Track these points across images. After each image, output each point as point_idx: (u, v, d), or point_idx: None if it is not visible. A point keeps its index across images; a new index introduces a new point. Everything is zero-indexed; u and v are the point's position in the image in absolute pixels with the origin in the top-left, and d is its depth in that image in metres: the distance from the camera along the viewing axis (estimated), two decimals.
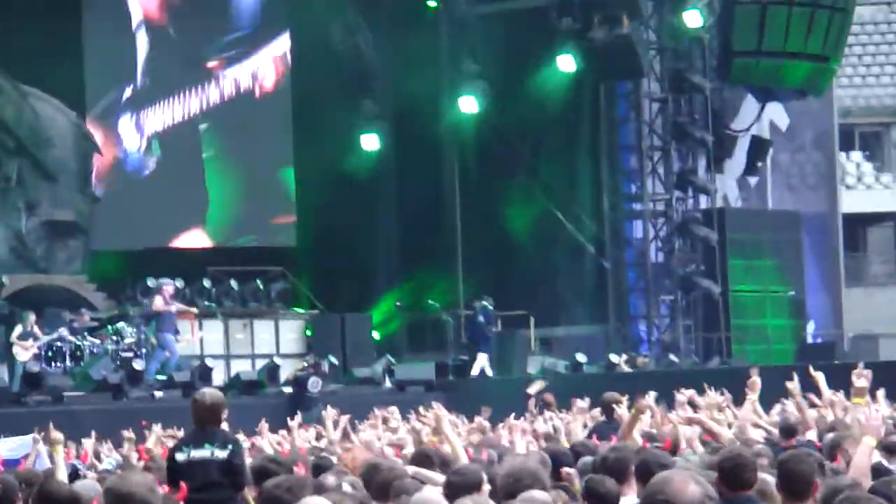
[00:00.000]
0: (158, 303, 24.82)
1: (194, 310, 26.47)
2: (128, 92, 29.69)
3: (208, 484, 10.00)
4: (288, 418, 14.89)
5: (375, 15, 30.45)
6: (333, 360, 25.82)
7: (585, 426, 13.54)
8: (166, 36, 29.78)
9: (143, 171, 29.90)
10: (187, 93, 30.03)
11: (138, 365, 24.13)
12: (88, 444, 15.26)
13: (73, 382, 24.01)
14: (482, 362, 26.26)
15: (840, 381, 13.63)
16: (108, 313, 26.56)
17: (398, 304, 29.43)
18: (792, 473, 7.65)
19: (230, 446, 10.17)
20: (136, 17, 29.67)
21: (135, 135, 29.82)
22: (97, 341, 25.17)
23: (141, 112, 29.80)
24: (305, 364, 25.22)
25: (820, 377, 11.97)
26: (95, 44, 29.13)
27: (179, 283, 27.65)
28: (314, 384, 23.97)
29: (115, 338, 25.21)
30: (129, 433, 14.27)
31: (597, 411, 14.11)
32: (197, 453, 10.12)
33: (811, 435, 11.16)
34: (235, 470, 10.06)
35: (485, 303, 26.99)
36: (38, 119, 27.63)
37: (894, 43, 43.07)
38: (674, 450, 10.32)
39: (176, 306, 25.00)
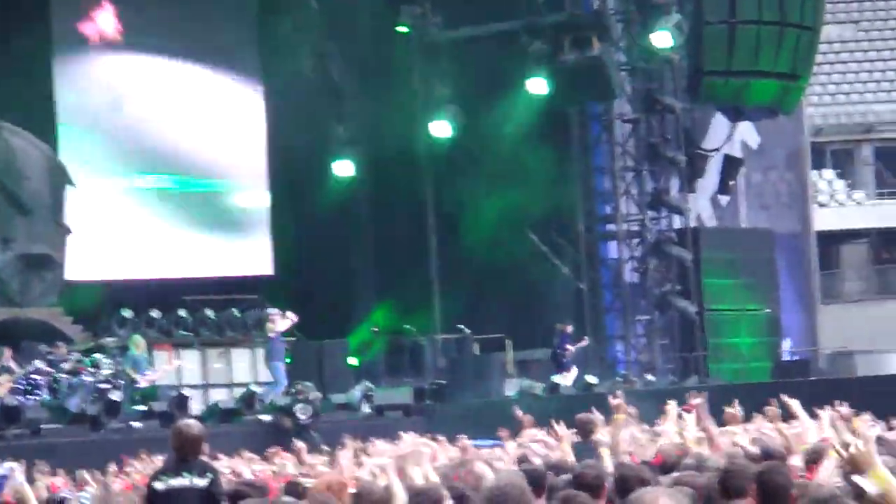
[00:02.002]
0: (272, 329, 25.25)
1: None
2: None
3: None
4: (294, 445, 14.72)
5: (346, 41, 30.54)
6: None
7: None
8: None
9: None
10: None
11: (115, 396, 24.06)
12: (59, 481, 15.23)
13: (50, 415, 23.91)
14: (560, 380, 26.46)
15: (817, 398, 13.71)
16: (85, 345, 26.47)
17: (375, 329, 29.44)
18: (769, 485, 7.72)
19: (209, 475, 10.18)
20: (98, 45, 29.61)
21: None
22: (74, 373, 25.07)
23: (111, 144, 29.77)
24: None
25: (795, 404, 11.92)
26: (65, 76, 29.11)
27: (155, 314, 27.62)
28: (303, 411, 23.97)
29: (91, 370, 25.11)
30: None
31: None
32: (176, 482, 10.13)
33: (796, 461, 11.14)
34: (215, 498, 10.07)
35: (561, 326, 27.32)
36: (12, 153, 27.55)
37: (863, 61, 43.36)
38: (668, 467, 10.27)
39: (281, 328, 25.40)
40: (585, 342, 27.68)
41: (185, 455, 10.24)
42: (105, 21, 29.38)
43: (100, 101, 29.47)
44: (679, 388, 26.06)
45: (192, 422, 10.76)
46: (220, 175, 30.48)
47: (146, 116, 29.92)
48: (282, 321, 25.60)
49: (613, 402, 11.99)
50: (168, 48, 29.71)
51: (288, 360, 27.90)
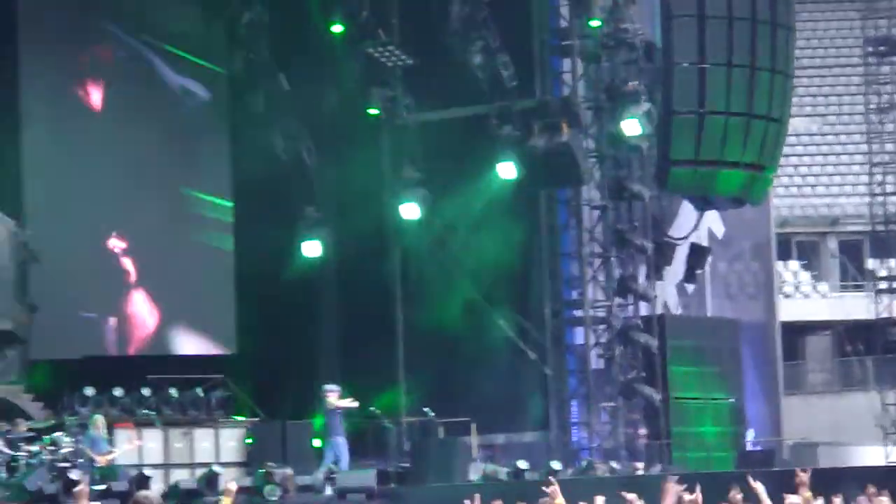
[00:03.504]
0: (332, 403, 25.65)
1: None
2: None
3: None
4: None
5: (317, 122, 30.63)
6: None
7: None
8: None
9: None
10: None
11: (74, 475, 23.81)
12: None
13: (7, 494, 23.64)
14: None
15: (779, 488, 13.68)
16: (45, 423, 26.25)
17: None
18: None
19: None
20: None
21: None
22: (33, 452, 24.83)
23: None
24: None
25: (760, 488, 11.97)
26: (33, 149, 29.10)
27: (118, 392, 27.43)
28: (270, 493, 23.80)
29: (51, 448, 24.88)
30: None
31: None
32: None
33: None
34: None
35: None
36: None
37: (829, 154, 43.80)
38: None
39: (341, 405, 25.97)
40: (642, 432, 28.58)
41: None
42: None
43: (66, 170, 29.39)
44: (642, 477, 26.01)
45: (151, 494, 10.61)
46: (188, 255, 30.45)
47: (114, 185, 29.88)
48: (338, 399, 25.93)
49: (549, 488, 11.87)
50: (134, 120, 29.75)
51: (249, 441, 27.72)
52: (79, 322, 29.41)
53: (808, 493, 11.17)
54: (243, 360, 30.00)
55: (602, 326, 30.06)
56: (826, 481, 20.08)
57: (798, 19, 31.42)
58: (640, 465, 28.06)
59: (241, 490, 23.69)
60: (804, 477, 11.16)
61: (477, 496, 14.09)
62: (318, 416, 29.21)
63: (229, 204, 30.71)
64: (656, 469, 28.10)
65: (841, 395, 39.94)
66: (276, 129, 30.67)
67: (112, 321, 29.75)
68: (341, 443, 25.82)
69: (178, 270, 30.35)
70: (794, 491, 11.59)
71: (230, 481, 11.54)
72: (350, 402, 26.06)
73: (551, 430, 29.50)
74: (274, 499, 23.63)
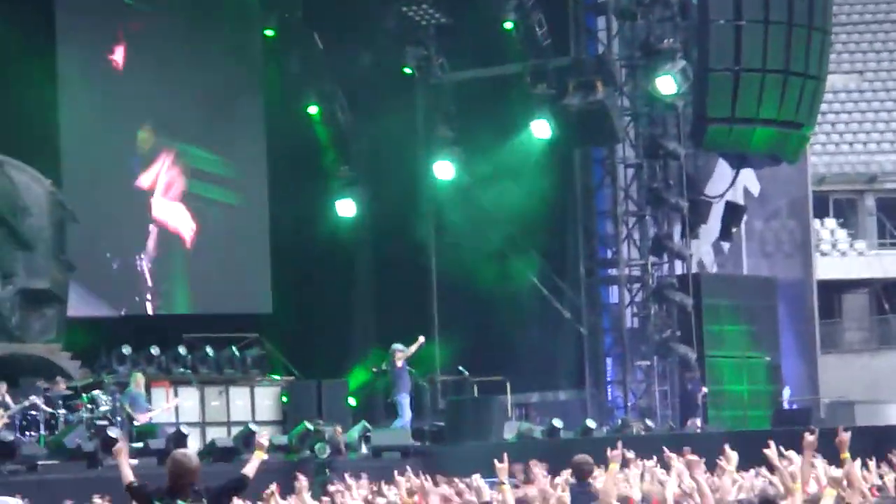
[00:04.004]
0: (398, 364, 26.30)
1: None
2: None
3: None
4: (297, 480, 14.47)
5: (351, 82, 30.65)
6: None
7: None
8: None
9: None
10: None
11: (113, 433, 24.00)
12: None
13: (47, 451, 23.85)
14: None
15: (817, 447, 13.66)
16: (84, 381, 26.44)
17: (375, 369, 29.39)
18: None
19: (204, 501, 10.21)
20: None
21: None
22: (72, 410, 25.02)
23: None
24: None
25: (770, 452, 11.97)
26: (70, 111, 29.22)
27: (155, 351, 27.62)
28: (321, 450, 23.95)
29: (89, 406, 25.07)
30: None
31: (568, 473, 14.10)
32: None
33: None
34: None
35: (690, 374, 28.86)
36: (14, 188, 27.60)
37: (867, 111, 43.49)
38: None
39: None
40: (705, 390, 28.53)
41: (181, 484, 10.22)
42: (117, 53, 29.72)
43: (103, 134, 29.51)
44: (678, 435, 26.03)
45: (190, 452, 10.72)
46: (223, 210, 30.55)
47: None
48: (404, 353, 26.43)
49: (612, 453, 11.89)
50: (169, 81, 29.83)
51: (285, 399, 27.86)
52: (116, 281, 29.57)
53: (846, 454, 11.14)
54: (278, 319, 30.13)
55: (637, 285, 30.02)
56: (863, 440, 20.05)
57: None
58: (697, 421, 28.09)
59: (279, 448, 23.85)
60: (845, 437, 11.15)
61: (505, 455, 14.11)
62: (355, 374, 29.37)
63: (263, 165, 30.77)
64: (690, 427, 28.12)
65: (878, 353, 39.82)
66: (311, 89, 30.70)
67: (148, 280, 29.90)
68: (405, 400, 26.09)
69: (213, 231, 30.47)
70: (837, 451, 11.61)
71: (262, 435, 11.63)
72: (416, 346, 26.36)
73: (586, 388, 29.54)
74: (324, 457, 23.76)
